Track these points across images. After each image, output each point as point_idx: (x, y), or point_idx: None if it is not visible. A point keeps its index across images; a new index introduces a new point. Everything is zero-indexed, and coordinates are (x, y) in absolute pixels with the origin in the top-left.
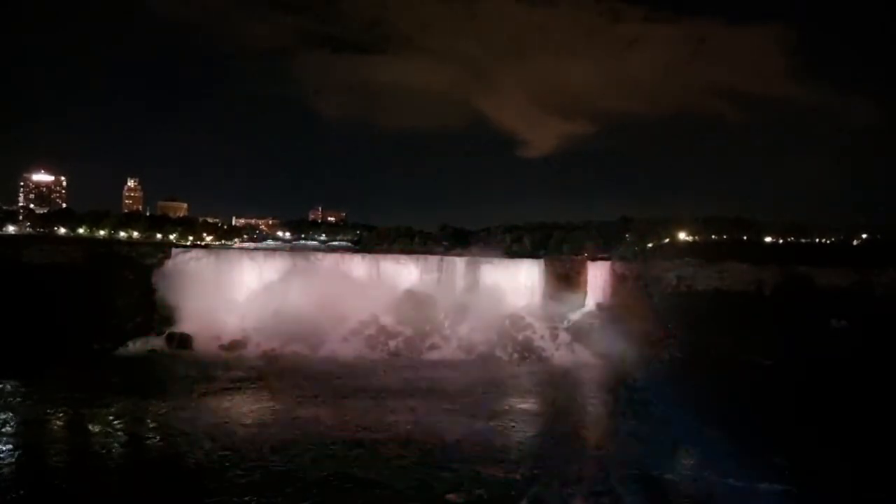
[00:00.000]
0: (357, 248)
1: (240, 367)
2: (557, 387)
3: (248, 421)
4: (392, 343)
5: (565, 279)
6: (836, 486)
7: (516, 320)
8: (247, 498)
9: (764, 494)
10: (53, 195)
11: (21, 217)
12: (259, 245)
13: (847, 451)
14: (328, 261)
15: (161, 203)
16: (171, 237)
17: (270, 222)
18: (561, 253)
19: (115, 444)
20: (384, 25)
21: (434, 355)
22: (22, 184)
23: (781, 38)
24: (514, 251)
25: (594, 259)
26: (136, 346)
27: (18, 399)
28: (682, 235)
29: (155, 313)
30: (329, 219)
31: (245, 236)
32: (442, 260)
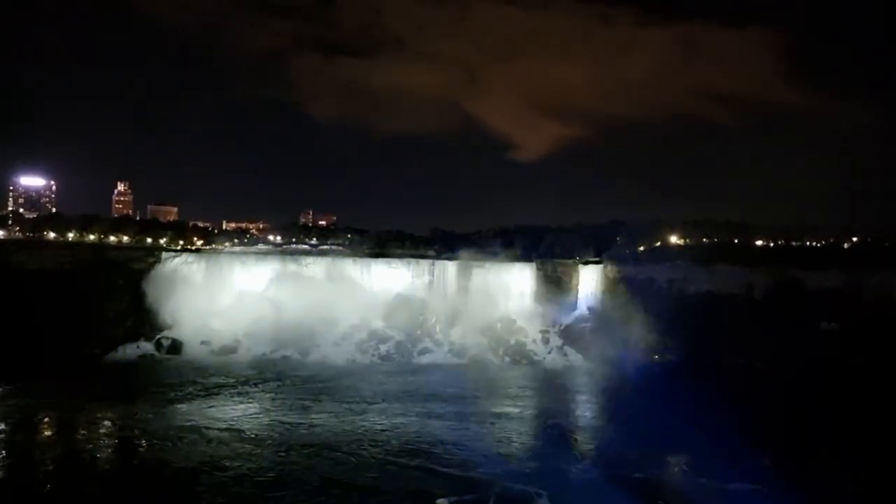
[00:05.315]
0: (348, 252)
1: (230, 372)
2: (549, 390)
3: (238, 426)
4: (383, 347)
5: (557, 283)
6: (821, 486)
7: (508, 324)
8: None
9: (748, 495)
10: (43, 200)
11: (10, 222)
12: (250, 249)
13: (835, 451)
14: (319, 265)
15: (151, 207)
16: (162, 241)
17: (261, 226)
18: (552, 256)
19: (105, 449)
20: (377, 29)
21: (425, 359)
22: (11, 188)
23: (772, 41)
24: (506, 255)
25: (586, 262)
26: (126, 352)
27: (7, 404)
28: (673, 239)
29: (145, 318)
30: (320, 222)
31: (236, 240)
32: (433, 264)
